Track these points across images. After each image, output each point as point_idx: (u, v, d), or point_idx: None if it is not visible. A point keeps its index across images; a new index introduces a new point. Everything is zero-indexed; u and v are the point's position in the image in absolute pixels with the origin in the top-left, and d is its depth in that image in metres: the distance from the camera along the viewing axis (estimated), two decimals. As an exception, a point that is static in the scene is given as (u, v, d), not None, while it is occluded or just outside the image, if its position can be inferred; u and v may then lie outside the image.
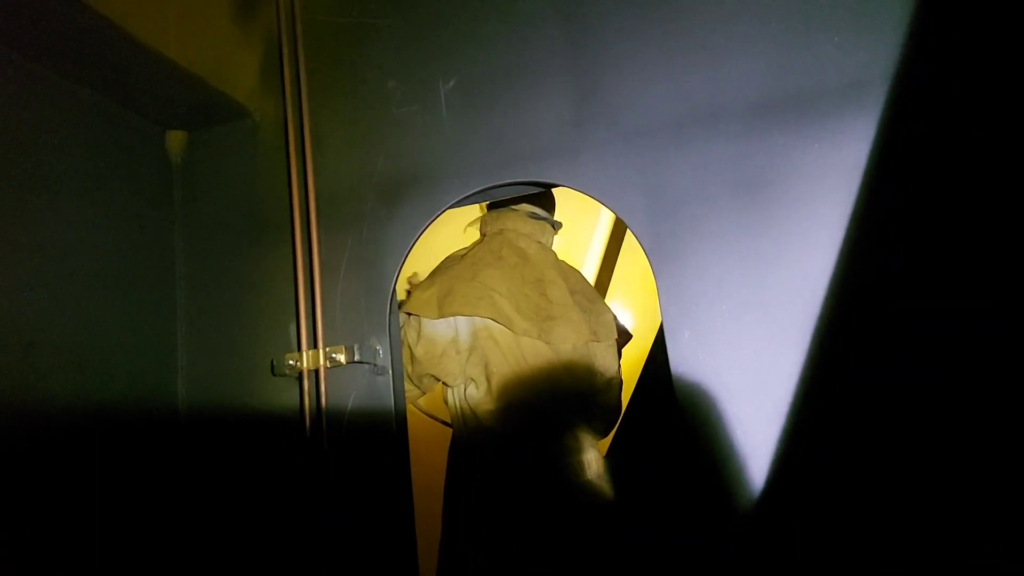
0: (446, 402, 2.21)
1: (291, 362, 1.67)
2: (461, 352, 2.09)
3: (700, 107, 1.55)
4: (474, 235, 2.44)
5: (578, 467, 2.07)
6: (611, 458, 2.33)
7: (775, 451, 1.38)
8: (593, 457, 2.12)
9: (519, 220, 2.28)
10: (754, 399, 1.41)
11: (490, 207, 2.40)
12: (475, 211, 2.77)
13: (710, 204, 1.51)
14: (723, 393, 1.43)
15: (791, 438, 1.37)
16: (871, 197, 1.39)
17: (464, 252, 2.29)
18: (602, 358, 2.21)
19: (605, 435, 2.29)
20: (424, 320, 2.10)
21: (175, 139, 1.93)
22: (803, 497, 1.35)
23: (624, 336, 2.35)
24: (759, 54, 1.52)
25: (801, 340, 1.40)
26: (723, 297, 1.47)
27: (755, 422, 1.40)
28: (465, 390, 2.11)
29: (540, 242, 2.30)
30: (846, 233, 1.40)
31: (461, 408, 2.13)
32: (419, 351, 2.09)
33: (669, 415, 2.08)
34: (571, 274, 2.28)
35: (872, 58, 1.43)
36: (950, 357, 1.30)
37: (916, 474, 1.29)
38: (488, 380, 2.07)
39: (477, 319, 2.08)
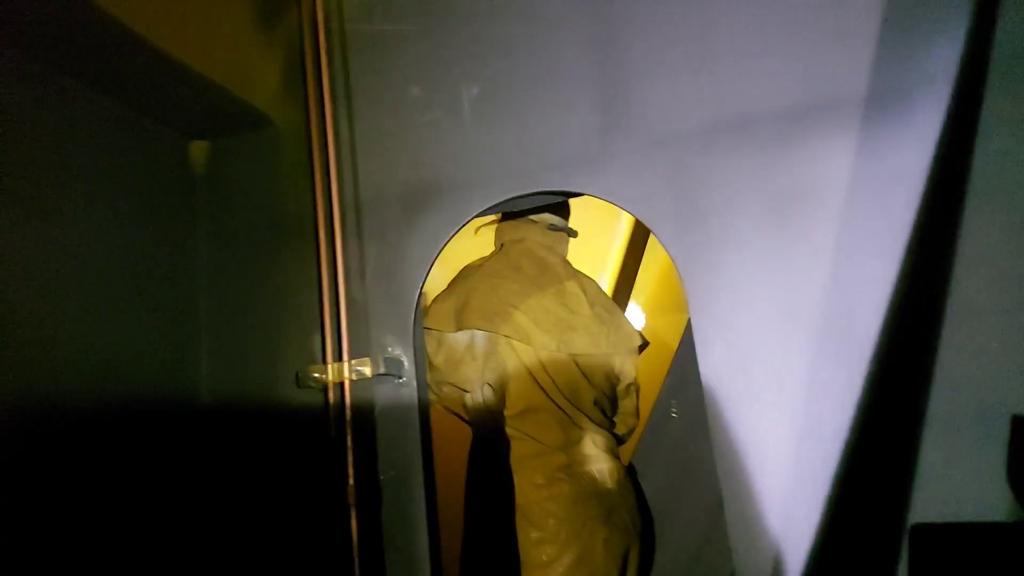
0: (465, 406, 2.19)
1: (316, 375, 1.66)
2: (477, 359, 2.09)
3: (731, 114, 1.51)
4: (486, 239, 2.42)
5: (598, 476, 2.05)
6: (635, 464, 2.30)
7: (809, 467, 1.34)
8: (611, 467, 2.09)
9: (538, 232, 2.27)
10: (788, 414, 1.37)
11: (504, 216, 2.38)
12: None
13: (741, 214, 1.48)
14: (756, 407, 1.40)
15: (826, 455, 1.34)
16: (911, 209, 1.35)
17: (481, 263, 2.27)
18: (620, 365, 2.21)
19: (624, 441, 2.28)
20: None
21: (198, 150, 1.93)
22: (837, 516, 1.31)
23: (641, 344, 2.33)
24: (792, 59, 1.48)
25: (837, 356, 1.36)
26: (756, 311, 1.44)
27: (789, 438, 1.36)
28: (483, 395, 2.10)
29: (559, 252, 2.29)
30: (884, 246, 1.37)
31: (480, 412, 2.12)
32: (438, 360, 2.09)
33: (694, 422, 2.08)
34: (589, 285, 2.27)
35: (911, 64, 1.39)
36: (995, 377, 1.25)
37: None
38: (504, 386, 2.06)
39: (495, 338, 2.10)
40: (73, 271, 1.52)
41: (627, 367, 2.23)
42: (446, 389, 2.16)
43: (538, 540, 1.92)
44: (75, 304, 1.51)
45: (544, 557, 1.90)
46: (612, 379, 2.20)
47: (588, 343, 2.10)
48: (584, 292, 2.19)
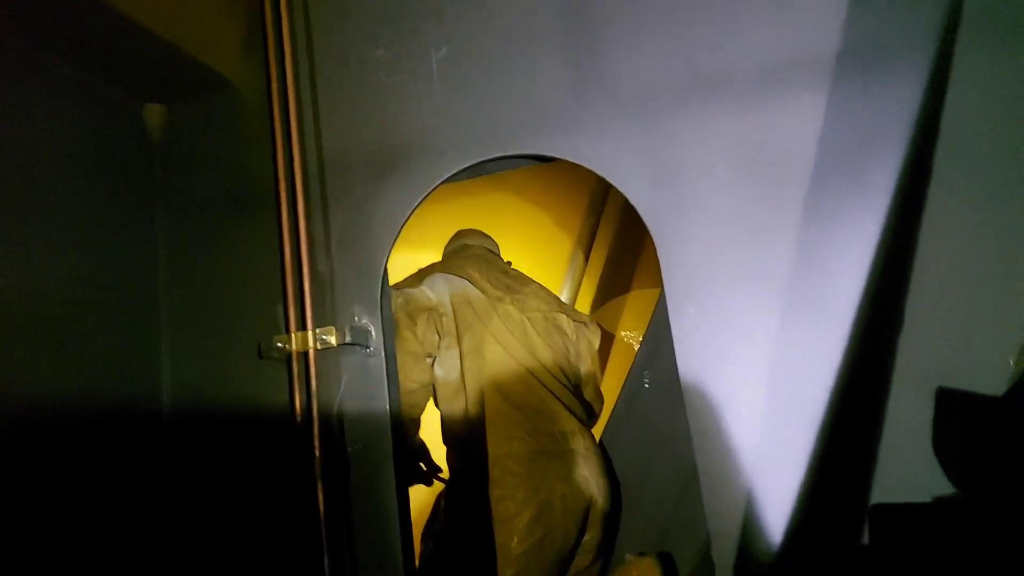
0: (434, 387, 2.15)
1: (279, 344, 1.61)
2: (446, 315, 2.12)
3: (705, 74, 1.48)
4: None
5: (560, 437, 2.04)
6: (607, 433, 2.30)
7: (782, 428, 1.33)
8: (573, 428, 2.09)
9: (479, 238, 2.50)
10: (762, 376, 1.36)
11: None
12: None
13: (715, 176, 1.45)
14: (728, 369, 1.38)
15: (799, 416, 1.33)
16: (886, 170, 1.34)
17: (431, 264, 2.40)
18: (575, 345, 2.29)
19: (592, 422, 2.29)
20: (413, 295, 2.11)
21: (154, 113, 1.84)
22: (809, 476, 1.31)
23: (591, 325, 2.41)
24: (766, 18, 1.45)
25: (809, 317, 1.35)
26: (729, 272, 1.41)
27: (762, 400, 1.35)
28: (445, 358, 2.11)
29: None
30: (857, 207, 1.35)
31: (450, 386, 2.09)
32: (419, 329, 2.06)
33: (667, 391, 2.07)
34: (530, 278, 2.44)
35: (887, 22, 1.37)
36: (962, 335, 1.25)
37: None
38: (460, 342, 2.08)
39: (454, 284, 2.15)
40: (22, 238, 1.45)
41: (583, 350, 2.31)
42: (415, 375, 2.11)
43: (499, 497, 1.94)
44: (25, 273, 1.44)
45: (506, 512, 1.90)
46: (569, 353, 2.27)
47: (539, 303, 2.23)
48: (528, 279, 2.38)
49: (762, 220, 1.41)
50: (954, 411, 1.24)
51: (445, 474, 2.17)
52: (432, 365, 2.09)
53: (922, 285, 1.29)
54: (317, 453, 1.53)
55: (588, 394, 2.31)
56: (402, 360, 2.00)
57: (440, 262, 2.41)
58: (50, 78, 1.58)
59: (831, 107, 1.39)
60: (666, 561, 1.94)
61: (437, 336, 2.08)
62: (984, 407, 1.22)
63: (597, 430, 2.31)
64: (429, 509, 2.25)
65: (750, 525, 1.31)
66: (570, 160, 1.56)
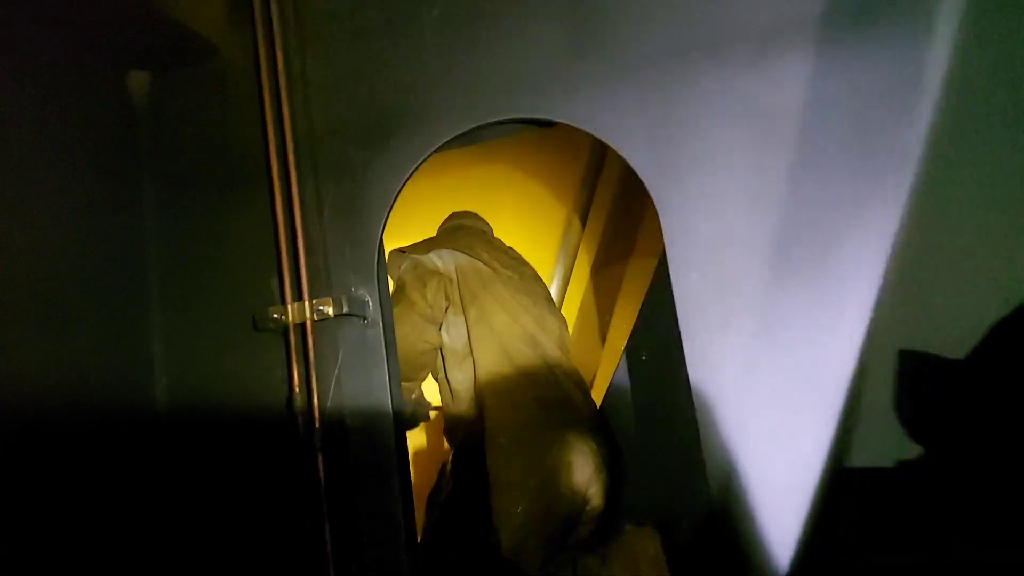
0: (442, 355, 2.14)
1: (275, 316, 1.58)
2: (452, 283, 2.11)
3: (704, 35, 1.45)
4: None
5: (566, 403, 2.04)
6: (606, 404, 2.30)
7: (783, 394, 1.32)
8: (580, 400, 2.08)
9: (476, 220, 2.47)
10: (764, 341, 1.35)
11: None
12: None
13: (717, 138, 1.42)
14: (731, 335, 1.37)
15: (801, 381, 1.32)
16: (886, 129, 1.31)
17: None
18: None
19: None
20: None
21: (138, 80, 1.78)
22: (810, 440, 1.30)
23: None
24: (767, -26, 1.41)
25: (816, 280, 1.33)
26: (731, 236, 1.39)
27: (768, 367, 1.34)
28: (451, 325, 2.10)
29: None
30: (857, 166, 1.33)
31: (450, 349, 2.10)
32: (429, 292, 2.05)
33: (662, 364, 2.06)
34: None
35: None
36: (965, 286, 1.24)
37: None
38: (466, 311, 2.07)
39: (460, 257, 2.13)
40: (3, 216, 1.40)
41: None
42: (426, 335, 2.09)
43: (505, 463, 1.91)
44: (8, 250, 1.39)
45: (511, 478, 1.89)
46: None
47: (538, 285, 2.23)
48: (527, 263, 2.37)
49: (764, 183, 1.38)
50: (919, 374, 1.23)
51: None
52: (439, 330, 2.08)
53: (929, 249, 1.27)
54: (317, 425, 1.51)
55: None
56: (412, 321, 2.00)
57: (440, 237, 2.39)
58: (29, 47, 1.52)
59: (831, 67, 1.36)
60: (665, 530, 1.95)
61: (446, 301, 2.07)
62: (948, 370, 1.22)
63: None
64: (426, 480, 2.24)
65: (754, 493, 1.31)
66: (569, 124, 1.52)
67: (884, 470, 1.25)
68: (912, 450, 1.24)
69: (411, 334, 1.99)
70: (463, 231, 2.39)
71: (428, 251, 2.16)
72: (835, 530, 1.27)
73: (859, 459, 1.27)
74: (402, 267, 2.14)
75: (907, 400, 1.24)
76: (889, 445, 1.25)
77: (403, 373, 1.98)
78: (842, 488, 1.27)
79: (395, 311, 1.93)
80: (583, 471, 1.95)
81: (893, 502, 1.24)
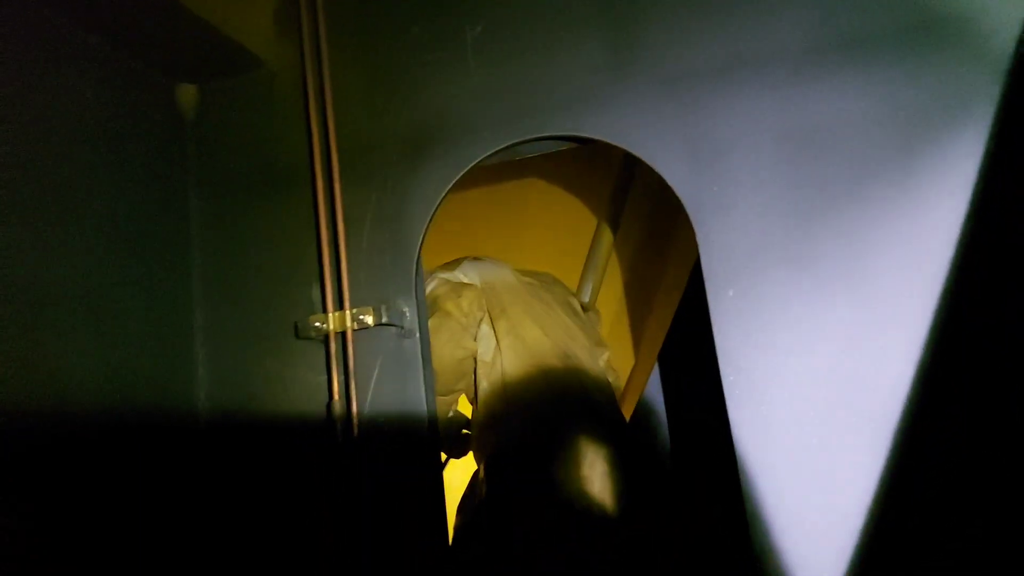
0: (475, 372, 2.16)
1: (317, 324, 1.61)
2: (483, 294, 2.15)
3: (745, 52, 1.46)
4: None
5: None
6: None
7: (825, 411, 1.32)
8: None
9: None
10: (803, 359, 1.35)
11: None
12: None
13: (755, 155, 1.43)
14: (770, 353, 1.37)
15: (850, 404, 1.31)
16: (931, 146, 1.31)
17: None
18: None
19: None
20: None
21: (186, 93, 1.84)
22: (858, 469, 1.30)
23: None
24: (808, -6, 1.42)
25: (852, 297, 1.33)
26: (769, 254, 1.40)
27: (805, 383, 1.34)
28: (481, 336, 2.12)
29: None
30: (902, 184, 1.33)
31: (480, 360, 2.12)
32: (464, 302, 2.08)
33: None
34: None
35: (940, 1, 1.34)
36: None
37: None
38: (494, 323, 2.09)
39: (484, 269, 2.19)
40: (58, 216, 1.45)
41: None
42: (464, 342, 2.12)
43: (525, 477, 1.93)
44: (61, 252, 1.44)
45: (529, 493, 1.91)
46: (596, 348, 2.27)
47: (561, 289, 2.32)
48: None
49: (804, 202, 1.39)
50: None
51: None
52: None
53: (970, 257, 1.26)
54: (355, 432, 1.54)
55: (611, 377, 2.31)
56: (450, 329, 2.02)
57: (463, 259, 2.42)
58: (88, 56, 1.58)
59: (871, 85, 1.37)
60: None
61: (480, 311, 2.10)
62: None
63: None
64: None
65: (798, 523, 1.30)
66: (608, 142, 1.54)
67: (949, 500, 1.23)
68: (983, 479, 1.22)
69: (449, 342, 2.01)
70: (484, 257, 2.43)
71: (455, 269, 2.21)
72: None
73: (919, 489, 1.25)
74: (432, 284, 2.18)
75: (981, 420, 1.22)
76: (954, 475, 1.23)
77: (441, 385, 2.00)
78: (899, 518, 1.25)
79: (431, 323, 1.95)
80: (615, 483, 1.95)
81: (957, 540, 1.23)
